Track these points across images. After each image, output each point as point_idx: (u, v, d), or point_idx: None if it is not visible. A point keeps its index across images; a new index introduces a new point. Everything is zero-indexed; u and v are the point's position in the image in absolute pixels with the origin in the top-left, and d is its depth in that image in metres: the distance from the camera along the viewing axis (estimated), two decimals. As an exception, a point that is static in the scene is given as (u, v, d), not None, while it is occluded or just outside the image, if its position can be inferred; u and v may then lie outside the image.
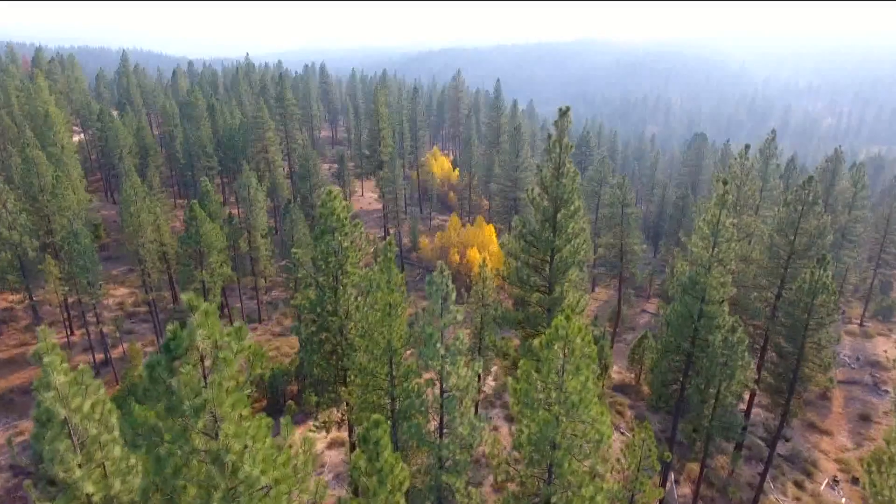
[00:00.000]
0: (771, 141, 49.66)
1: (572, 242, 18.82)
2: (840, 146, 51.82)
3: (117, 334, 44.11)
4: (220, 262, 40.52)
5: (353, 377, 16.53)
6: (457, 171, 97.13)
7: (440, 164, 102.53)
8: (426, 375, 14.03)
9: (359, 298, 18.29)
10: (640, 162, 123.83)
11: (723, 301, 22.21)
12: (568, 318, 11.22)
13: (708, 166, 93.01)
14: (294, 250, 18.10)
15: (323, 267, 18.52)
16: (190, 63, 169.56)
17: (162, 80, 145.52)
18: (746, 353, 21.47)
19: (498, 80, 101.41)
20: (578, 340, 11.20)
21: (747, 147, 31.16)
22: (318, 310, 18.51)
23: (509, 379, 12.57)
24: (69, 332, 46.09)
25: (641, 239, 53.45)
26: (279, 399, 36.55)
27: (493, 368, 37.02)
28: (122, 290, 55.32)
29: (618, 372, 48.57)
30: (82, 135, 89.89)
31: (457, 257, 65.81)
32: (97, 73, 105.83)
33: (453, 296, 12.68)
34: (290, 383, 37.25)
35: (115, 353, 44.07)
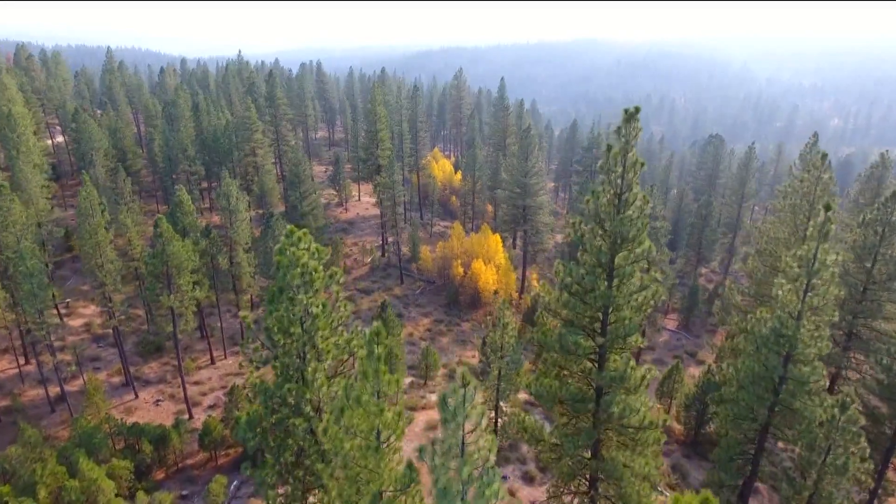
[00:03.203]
0: (812, 146, 44.67)
1: (636, 296, 13.67)
2: (887, 150, 46.75)
3: (73, 367, 38.86)
4: (191, 283, 35.32)
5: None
6: (459, 174, 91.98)
7: (441, 167, 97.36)
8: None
9: (334, 380, 12.92)
10: (650, 164, 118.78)
11: (816, 360, 17.16)
12: None
13: (725, 170, 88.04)
14: (242, 314, 12.73)
15: (282, 342, 13.39)
16: (183, 60, 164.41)
17: (153, 78, 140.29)
18: (862, 438, 16.45)
19: (502, 78, 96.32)
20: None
21: (824, 156, 26.10)
22: (277, 399, 13.05)
23: None
24: (22, 361, 40.86)
25: (670, 256, 48.32)
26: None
27: (507, 406, 31.81)
28: (90, 309, 50.00)
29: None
30: (62, 136, 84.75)
31: (460, 269, 60.76)
32: (76, 72, 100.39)
33: (484, 421, 7.69)
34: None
35: (74, 386, 38.88)
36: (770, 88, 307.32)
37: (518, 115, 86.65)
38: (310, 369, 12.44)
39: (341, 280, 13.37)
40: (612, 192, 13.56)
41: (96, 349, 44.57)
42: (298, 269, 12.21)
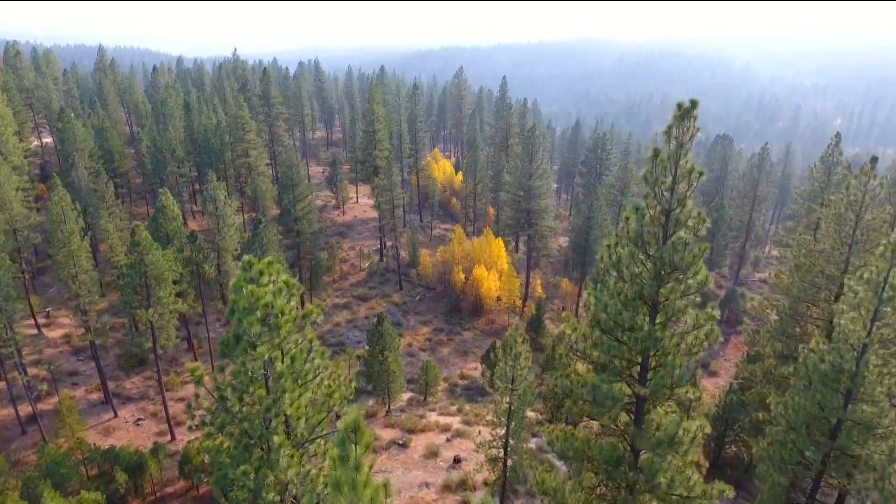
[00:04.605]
0: (835, 146, 42.13)
1: (688, 338, 11.09)
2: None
3: (44, 386, 36.28)
4: (172, 294, 32.79)
5: None
6: (459, 175, 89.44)
7: (441, 168, 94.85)
8: None
9: (309, 447, 10.11)
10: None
11: (885, 400, 14.66)
12: None
13: (733, 172, 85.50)
14: (190, 366, 9.99)
15: (235, 408, 10.27)
16: (179, 59, 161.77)
17: (147, 77, 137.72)
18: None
19: (504, 77, 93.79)
20: None
21: (874, 160, 23.53)
22: (234, 478, 10.28)
23: None
24: (-6, 378, 38.24)
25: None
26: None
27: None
28: (72, 319, 47.31)
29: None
30: (50, 136, 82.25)
31: (462, 275, 58.23)
32: (64, 70, 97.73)
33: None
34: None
35: (49, 404, 36.28)
36: (772, 88, 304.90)
37: (521, 115, 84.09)
38: (276, 441, 9.71)
39: (318, 320, 10.72)
40: (658, 208, 10.99)
41: (76, 362, 42.01)
42: (258, 314, 9.42)
